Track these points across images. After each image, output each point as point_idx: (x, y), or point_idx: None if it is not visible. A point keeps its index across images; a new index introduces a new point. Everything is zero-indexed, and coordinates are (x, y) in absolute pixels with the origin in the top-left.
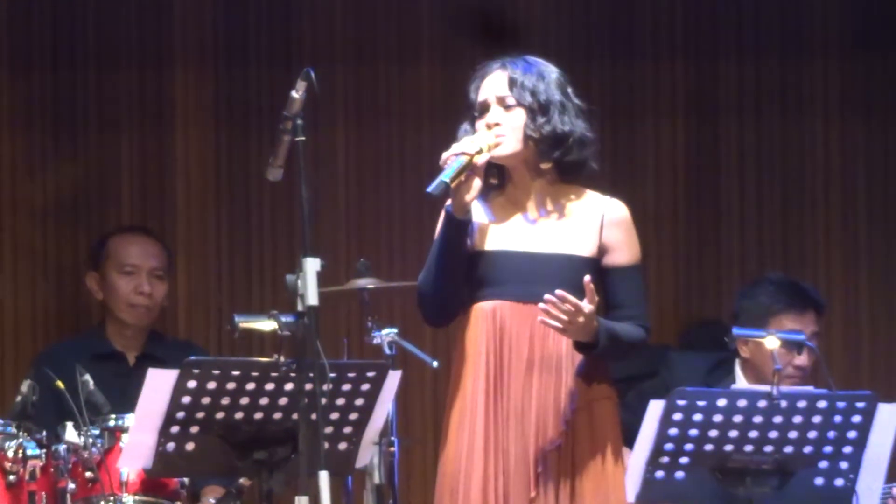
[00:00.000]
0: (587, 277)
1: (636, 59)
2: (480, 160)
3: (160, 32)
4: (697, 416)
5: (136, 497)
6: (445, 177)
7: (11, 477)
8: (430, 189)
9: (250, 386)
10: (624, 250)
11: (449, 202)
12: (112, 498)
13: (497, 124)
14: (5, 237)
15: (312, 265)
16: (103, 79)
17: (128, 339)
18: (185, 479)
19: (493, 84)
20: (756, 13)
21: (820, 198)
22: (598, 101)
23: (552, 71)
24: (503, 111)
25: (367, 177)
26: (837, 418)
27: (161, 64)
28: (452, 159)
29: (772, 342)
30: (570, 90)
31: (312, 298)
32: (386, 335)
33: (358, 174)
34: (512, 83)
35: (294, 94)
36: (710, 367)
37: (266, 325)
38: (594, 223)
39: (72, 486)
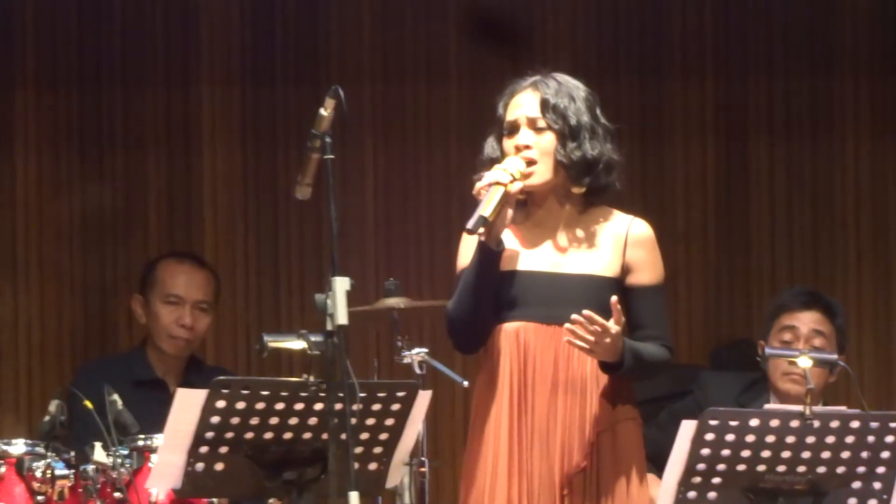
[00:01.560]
0: (614, 298)
1: (665, 77)
2: (514, 189)
3: (187, 51)
4: (730, 437)
5: None
6: (484, 212)
7: (40, 497)
8: (469, 226)
9: (280, 406)
10: (647, 270)
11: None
12: None
13: (527, 146)
14: (32, 256)
15: (341, 284)
16: (130, 98)
17: (168, 365)
18: (215, 500)
19: (524, 104)
20: (786, 31)
21: (850, 216)
22: (628, 119)
23: (581, 90)
24: (533, 133)
25: (396, 195)
26: (870, 438)
27: (188, 83)
28: (487, 191)
29: (804, 362)
30: (598, 110)
31: (342, 318)
32: (416, 354)
33: (386, 193)
34: (544, 105)
35: (322, 111)
36: (744, 388)
37: (295, 344)
38: (618, 243)
39: None
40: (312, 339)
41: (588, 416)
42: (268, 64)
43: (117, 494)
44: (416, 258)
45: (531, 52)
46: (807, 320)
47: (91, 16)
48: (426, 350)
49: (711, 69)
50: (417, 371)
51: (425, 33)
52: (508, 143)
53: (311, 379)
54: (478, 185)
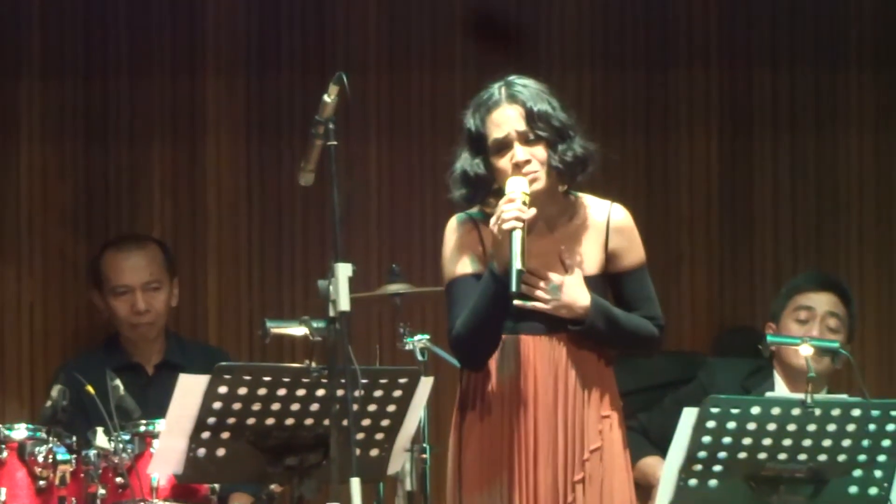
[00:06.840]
0: (561, 247)
1: (670, 67)
2: (529, 216)
3: (192, 39)
4: (731, 424)
5: (167, 503)
6: (520, 266)
7: (42, 482)
8: (513, 289)
9: (281, 392)
10: (630, 254)
11: (494, 262)
12: (142, 503)
13: (527, 161)
14: (36, 242)
15: (344, 270)
16: (135, 86)
17: (143, 349)
18: (216, 485)
19: (509, 119)
20: (791, 22)
21: (854, 205)
22: (633, 109)
23: (545, 89)
24: (526, 146)
25: (400, 183)
26: (871, 427)
27: (193, 70)
28: (511, 237)
29: (805, 349)
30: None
31: (344, 304)
32: (418, 341)
33: (390, 180)
34: (530, 117)
35: (326, 98)
36: (749, 373)
37: (297, 330)
38: (600, 234)
39: (102, 491)
40: (315, 324)
41: (587, 426)
42: (273, 53)
43: (119, 479)
44: (418, 244)
45: (536, 42)
46: (823, 301)
47: (97, 4)
48: (428, 336)
49: (716, 58)
50: (419, 357)
51: (430, 22)
52: (502, 161)
53: (314, 365)
54: (499, 223)
